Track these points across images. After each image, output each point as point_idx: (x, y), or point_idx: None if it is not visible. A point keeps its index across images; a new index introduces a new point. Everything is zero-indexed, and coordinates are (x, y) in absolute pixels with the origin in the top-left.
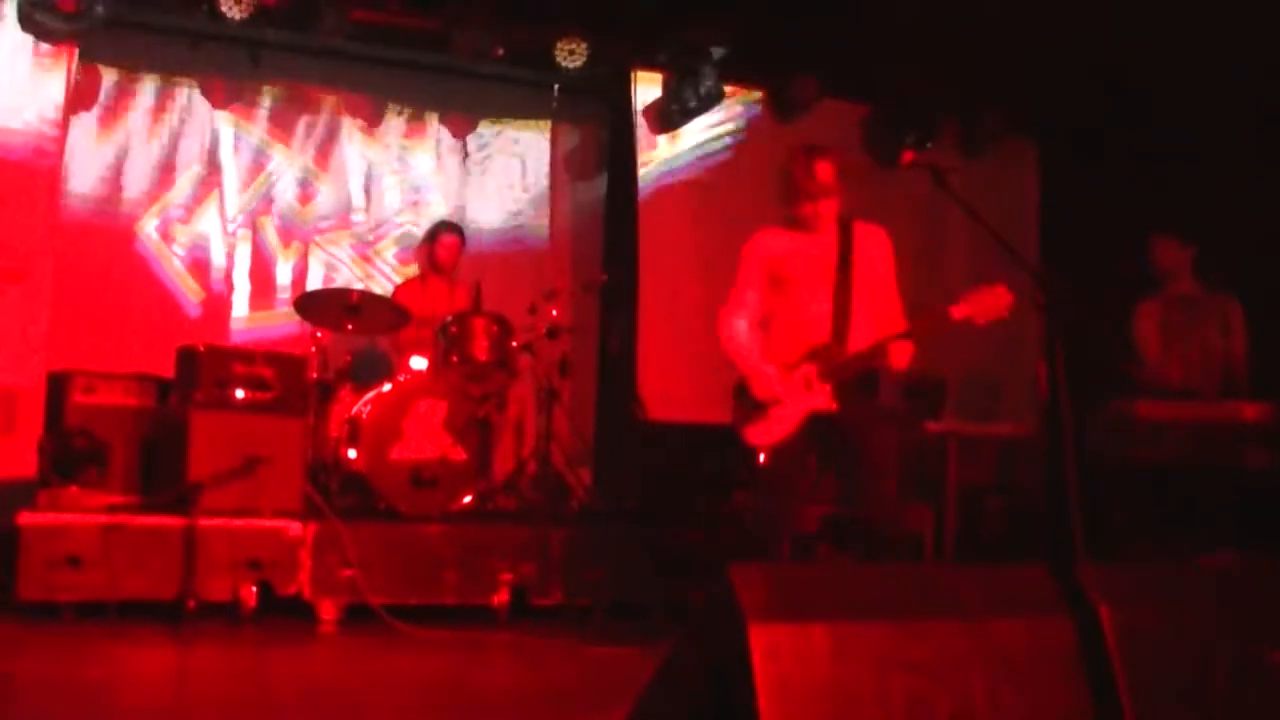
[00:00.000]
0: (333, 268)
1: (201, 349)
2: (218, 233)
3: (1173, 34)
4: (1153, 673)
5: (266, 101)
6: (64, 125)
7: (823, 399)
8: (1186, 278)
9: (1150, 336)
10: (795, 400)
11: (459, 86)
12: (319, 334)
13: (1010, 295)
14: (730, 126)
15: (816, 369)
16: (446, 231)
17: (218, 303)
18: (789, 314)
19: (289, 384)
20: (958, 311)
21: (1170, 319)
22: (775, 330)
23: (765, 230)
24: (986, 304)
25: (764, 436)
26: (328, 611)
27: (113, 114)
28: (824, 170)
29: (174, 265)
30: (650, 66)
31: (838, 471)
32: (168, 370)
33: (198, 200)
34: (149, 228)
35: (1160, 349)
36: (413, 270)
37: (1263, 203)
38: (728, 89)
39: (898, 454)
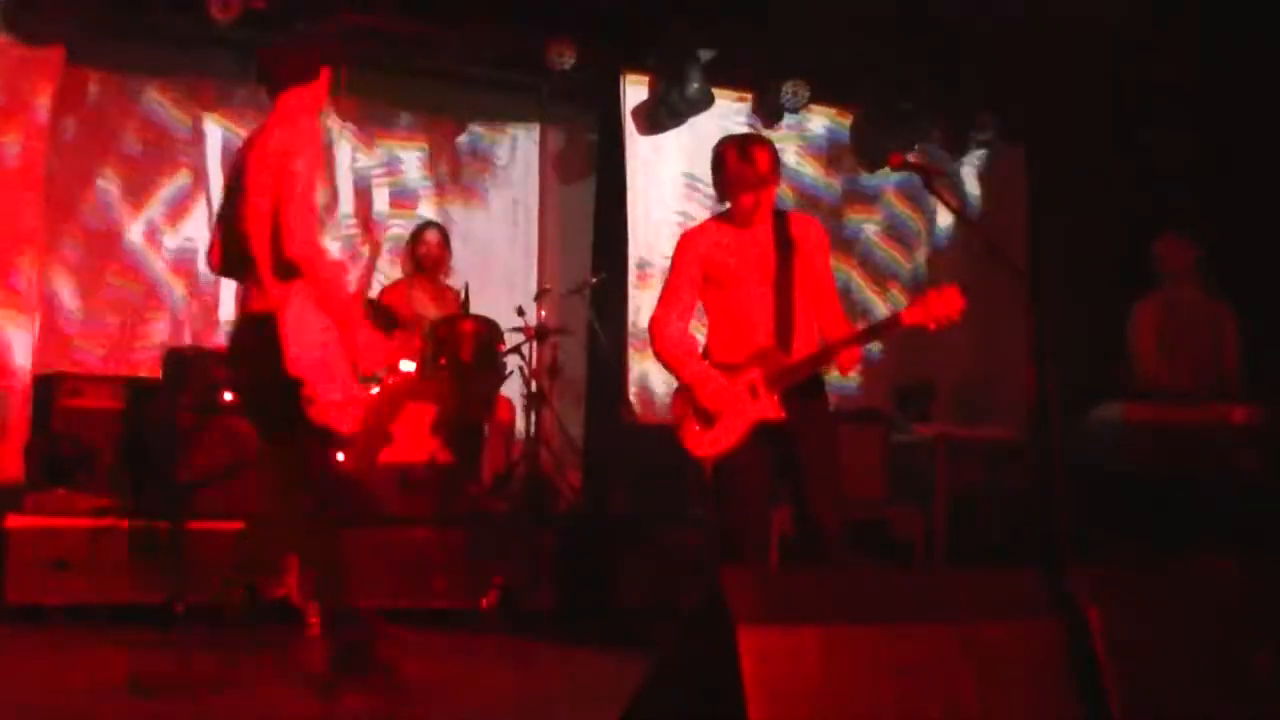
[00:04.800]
0: None
1: (189, 352)
2: (205, 235)
3: (1164, 33)
4: (1141, 676)
5: (255, 104)
6: (51, 127)
7: (770, 408)
8: (1188, 280)
9: (1146, 338)
10: (742, 409)
11: (448, 89)
12: None
13: (962, 299)
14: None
15: (762, 375)
16: (429, 230)
17: (205, 305)
18: (729, 313)
19: None
20: (908, 316)
21: (1167, 321)
22: (714, 329)
23: (698, 227)
24: (938, 308)
25: (710, 447)
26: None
27: (100, 116)
28: (761, 157)
29: (161, 267)
30: (639, 69)
31: (786, 477)
32: (155, 373)
33: (186, 203)
34: (136, 230)
35: (1155, 351)
36: (400, 273)
37: (1256, 205)
38: (716, 92)
39: (838, 458)
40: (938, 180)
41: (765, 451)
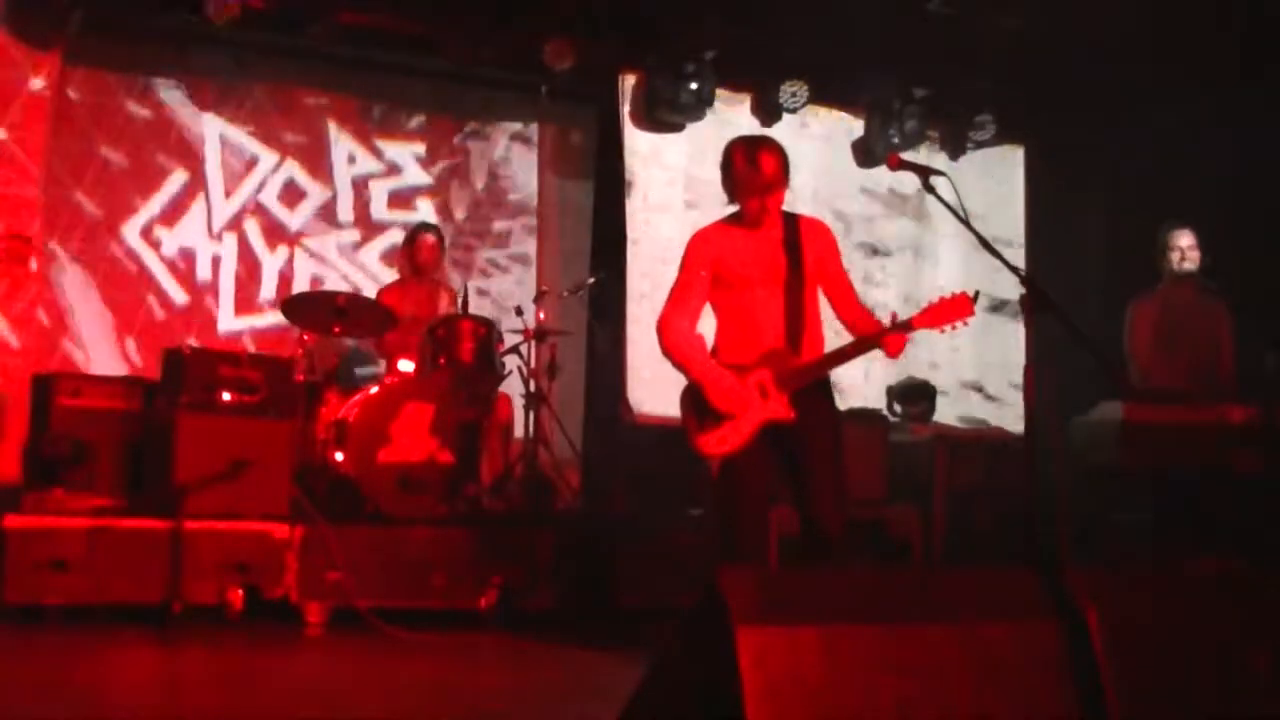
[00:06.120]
0: (319, 270)
1: (188, 352)
2: (204, 235)
3: (1160, 34)
4: (1140, 676)
5: (253, 104)
6: (50, 126)
7: (780, 408)
8: (1189, 279)
9: (1143, 336)
10: (752, 409)
11: (446, 88)
12: (305, 336)
13: (971, 305)
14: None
15: (772, 375)
16: (425, 232)
17: (204, 305)
18: (739, 314)
19: (276, 387)
20: (919, 321)
21: (1164, 321)
22: (723, 330)
23: (708, 228)
24: (947, 312)
25: (719, 446)
26: (315, 614)
27: (98, 116)
28: (768, 162)
29: (160, 268)
30: (638, 69)
31: (790, 477)
32: (154, 373)
33: (184, 203)
34: (135, 230)
35: (1152, 349)
36: (399, 273)
37: (1251, 205)
38: (715, 92)
39: (843, 459)
40: (936, 180)
41: (770, 452)
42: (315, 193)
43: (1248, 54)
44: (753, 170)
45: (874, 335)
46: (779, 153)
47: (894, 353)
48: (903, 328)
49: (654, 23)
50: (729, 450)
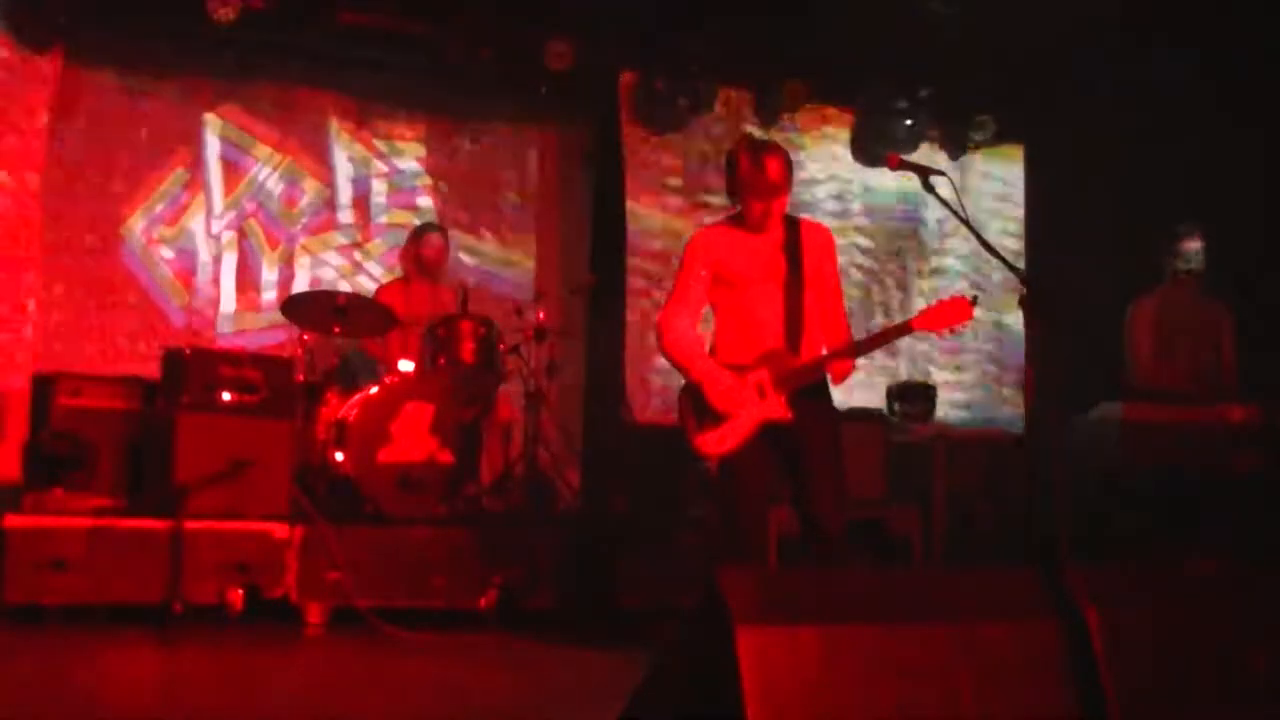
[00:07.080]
0: (319, 270)
1: (188, 351)
2: (204, 235)
3: (1161, 34)
4: (1139, 676)
5: (253, 103)
6: (49, 126)
7: (777, 408)
8: (1190, 279)
9: (1144, 337)
10: (750, 409)
11: (447, 88)
12: (305, 336)
13: (970, 308)
14: (719, 127)
15: (770, 376)
16: (431, 233)
17: (204, 305)
18: (739, 315)
19: (276, 386)
20: (917, 323)
21: (1165, 320)
22: (723, 330)
23: (709, 229)
24: (946, 315)
25: (717, 445)
26: (315, 614)
27: (98, 115)
28: (773, 166)
29: (160, 267)
30: (639, 68)
31: (790, 477)
32: (154, 373)
33: (184, 202)
34: (135, 230)
35: (1153, 350)
36: (399, 273)
37: (1252, 206)
38: (717, 91)
39: (843, 459)
40: (936, 180)
41: (769, 452)
42: (315, 192)
43: (1250, 54)
44: (757, 173)
45: (838, 351)
46: (784, 157)
47: (838, 379)
48: (902, 330)
49: (654, 23)
50: (727, 450)
